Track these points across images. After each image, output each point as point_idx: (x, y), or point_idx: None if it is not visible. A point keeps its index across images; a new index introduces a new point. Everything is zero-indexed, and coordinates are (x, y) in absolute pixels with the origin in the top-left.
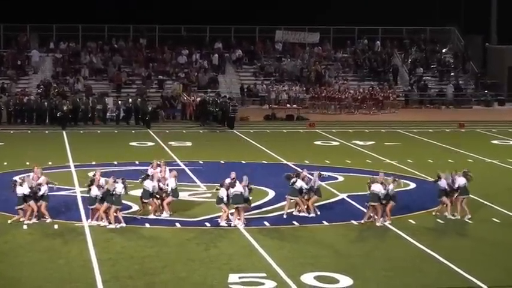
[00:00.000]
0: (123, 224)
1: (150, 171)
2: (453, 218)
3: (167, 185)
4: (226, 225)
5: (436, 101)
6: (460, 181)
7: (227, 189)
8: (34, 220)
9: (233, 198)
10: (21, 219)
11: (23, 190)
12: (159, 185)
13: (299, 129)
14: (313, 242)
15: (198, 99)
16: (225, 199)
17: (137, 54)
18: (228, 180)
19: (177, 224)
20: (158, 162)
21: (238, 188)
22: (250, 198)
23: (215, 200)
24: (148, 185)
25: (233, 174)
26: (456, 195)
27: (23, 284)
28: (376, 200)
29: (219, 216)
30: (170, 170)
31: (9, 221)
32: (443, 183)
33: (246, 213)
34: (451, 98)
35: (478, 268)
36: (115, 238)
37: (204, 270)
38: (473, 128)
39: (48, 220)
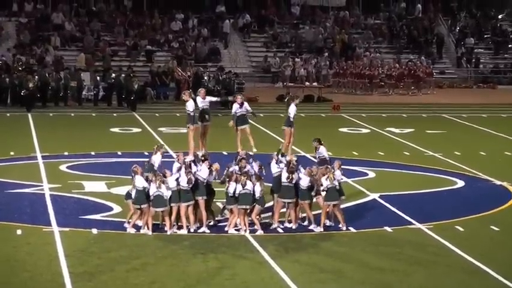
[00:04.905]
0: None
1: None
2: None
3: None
4: (236, 232)
5: (491, 79)
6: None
7: (236, 182)
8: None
9: (240, 197)
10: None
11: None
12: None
13: (320, 113)
14: (337, 253)
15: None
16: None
17: (120, 19)
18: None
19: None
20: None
21: (248, 185)
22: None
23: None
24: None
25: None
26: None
27: None
28: None
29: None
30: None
31: None
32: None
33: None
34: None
35: None
36: (92, 247)
37: None
38: None
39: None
